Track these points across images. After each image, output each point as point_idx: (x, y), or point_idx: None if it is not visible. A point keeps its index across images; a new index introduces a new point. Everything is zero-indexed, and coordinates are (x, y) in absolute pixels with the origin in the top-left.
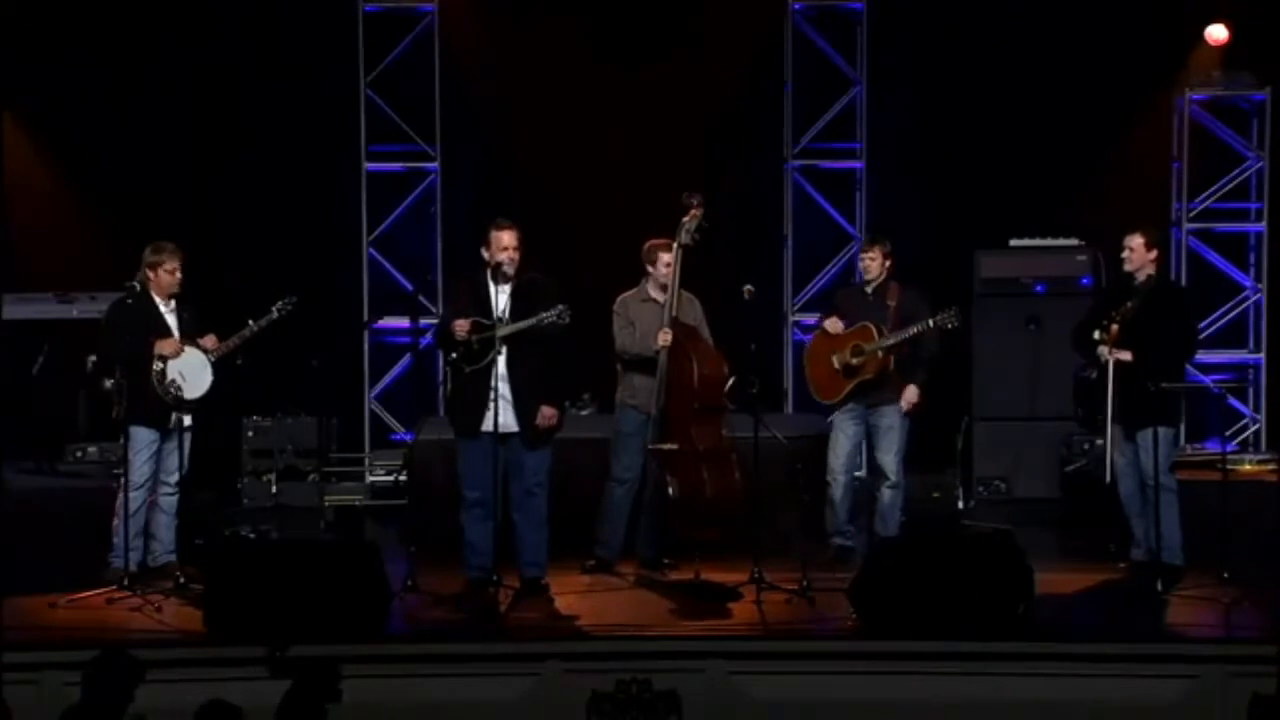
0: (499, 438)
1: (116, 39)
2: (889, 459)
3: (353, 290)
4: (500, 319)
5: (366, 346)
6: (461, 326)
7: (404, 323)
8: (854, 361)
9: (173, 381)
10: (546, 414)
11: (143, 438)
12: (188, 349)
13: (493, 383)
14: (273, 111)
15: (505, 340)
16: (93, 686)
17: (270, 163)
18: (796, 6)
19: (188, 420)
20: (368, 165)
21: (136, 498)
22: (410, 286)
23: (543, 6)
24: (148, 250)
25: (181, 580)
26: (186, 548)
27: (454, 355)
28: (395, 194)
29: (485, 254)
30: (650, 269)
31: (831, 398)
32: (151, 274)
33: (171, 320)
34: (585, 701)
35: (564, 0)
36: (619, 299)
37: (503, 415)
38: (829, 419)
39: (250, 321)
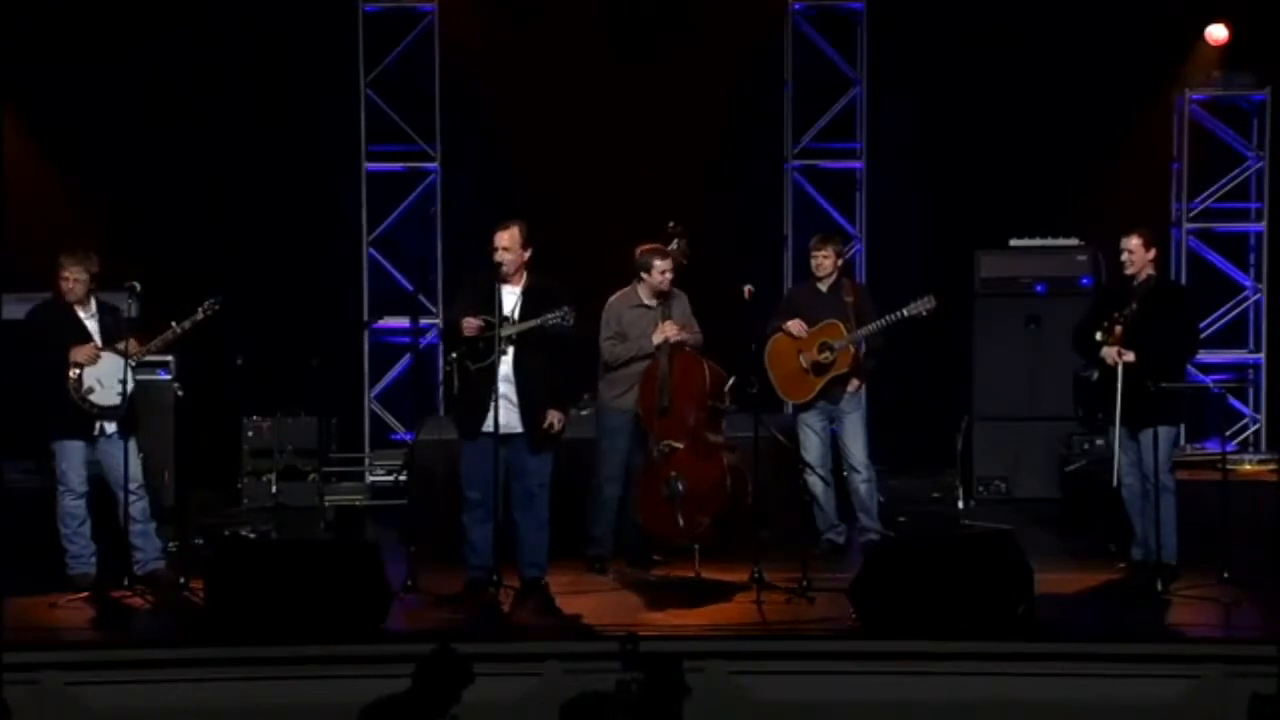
0: (501, 438)
1: (116, 39)
2: (859, 451)
3: (353, 290)
4: (508, 319)
5: (366, 346)
6: (471, 325)
7: (404, 323)
8: (823, 359)
9: (90, 389)
10: (554, 418)
11: (71, 450)
12: (105, 355)
13: (495, 383)
14: (273, 111)
15: (512, 341)
16: (424, 682)
17: (270, 162)
18: (796, 6)
19: (111, 427)
20: (368, 165)
21: (78, 506)
22: (410, 286)
23: (543, 6)
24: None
25: (181, 581)
26: (186, 548)
27: (454, 354)
28: (395, 194)
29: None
30: (645, 275)
31: (802, 397)
32: (62, 284)
33: (92, 325)
34: None
35: (564, 0)
36: (609, 303)
37: (506, 416)
38: (798, 418)
39: (174, 323)
